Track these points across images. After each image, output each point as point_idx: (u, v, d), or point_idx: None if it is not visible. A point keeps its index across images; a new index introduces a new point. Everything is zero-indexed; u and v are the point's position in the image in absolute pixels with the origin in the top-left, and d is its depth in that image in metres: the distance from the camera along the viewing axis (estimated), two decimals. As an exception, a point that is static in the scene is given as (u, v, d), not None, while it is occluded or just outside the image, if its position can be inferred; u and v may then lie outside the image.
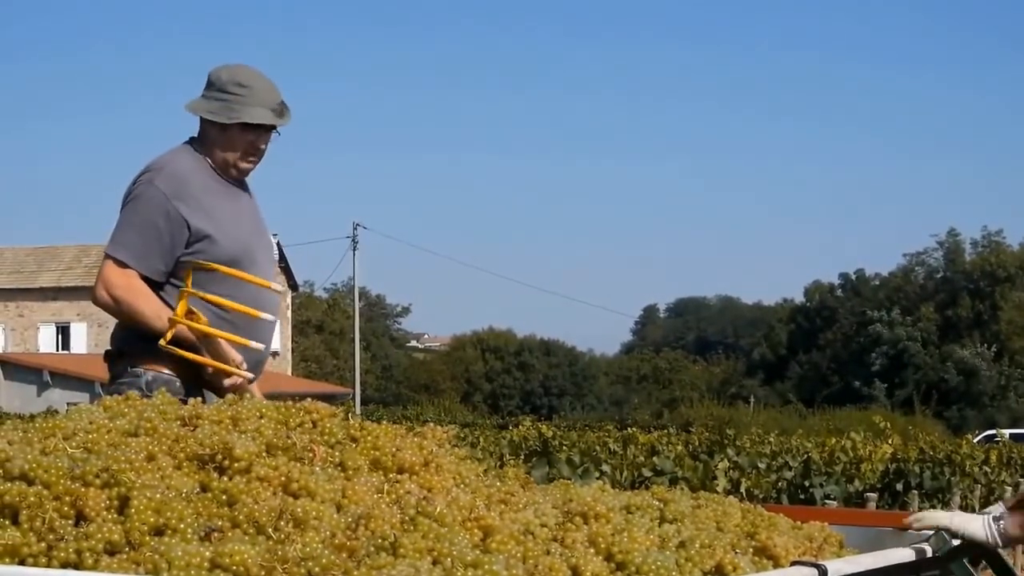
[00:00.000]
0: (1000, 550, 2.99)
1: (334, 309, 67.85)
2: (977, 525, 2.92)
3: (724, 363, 75.59)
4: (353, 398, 44.82)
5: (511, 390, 67.92)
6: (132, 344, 3.82)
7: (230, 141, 3.88)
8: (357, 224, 47.02)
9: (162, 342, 3.63)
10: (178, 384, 3.73)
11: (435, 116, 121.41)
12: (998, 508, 3.00)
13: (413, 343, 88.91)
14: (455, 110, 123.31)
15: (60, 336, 47.19)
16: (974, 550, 2.98)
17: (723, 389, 62.21)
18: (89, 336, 45.67)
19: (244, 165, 3.94)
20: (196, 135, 3.97)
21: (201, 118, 3.92)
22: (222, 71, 3.91)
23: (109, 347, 3.93)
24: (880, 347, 61.12)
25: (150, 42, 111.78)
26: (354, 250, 47.00)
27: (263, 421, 2.67)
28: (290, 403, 2.81)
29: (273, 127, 3.92)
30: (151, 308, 3.73)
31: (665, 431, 20.68)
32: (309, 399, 2.87)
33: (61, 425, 2.56)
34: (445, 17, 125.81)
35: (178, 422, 2.62)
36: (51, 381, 37.29)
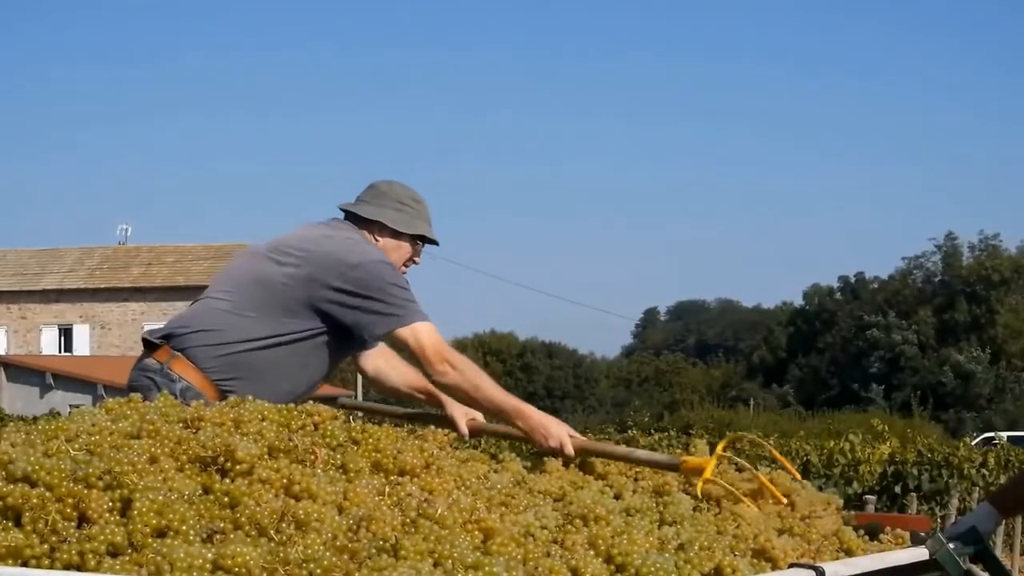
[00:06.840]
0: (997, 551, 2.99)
1: (336, 311, 67.62)
2: None
3: (724, 366, 75.46)
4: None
5: (514, 392, 67.67)
6: (188, 348, 3.57)
7: (399, 250, 3.93)
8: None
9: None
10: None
11: (434, 117, 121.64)
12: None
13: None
14: (454, 111, 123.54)
15: (63, 338, 47.08)
16: None
17: (723, 392, 62.08)
18: (92, 338, 45.59)
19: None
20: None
21: (361, 226, 3.87)
22: (395, 185, 3.98)
23: (142, 332, 3.77)
24: (878, 350, 61.11)
25: (149, 42, 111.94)
26: (355, 253, 46.89)
27: (265, 423, 2.69)
28: (292, 405, 2.83)
29: (431, 242, 4.02)
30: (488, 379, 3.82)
31: (666, 433, 20.66)
32: (311, 401, 2.89)
33: (64, 427, 2.58)
34: (440, 22, 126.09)
35: (180, 424, 2.64)
36: (54, 383, 37.20)
